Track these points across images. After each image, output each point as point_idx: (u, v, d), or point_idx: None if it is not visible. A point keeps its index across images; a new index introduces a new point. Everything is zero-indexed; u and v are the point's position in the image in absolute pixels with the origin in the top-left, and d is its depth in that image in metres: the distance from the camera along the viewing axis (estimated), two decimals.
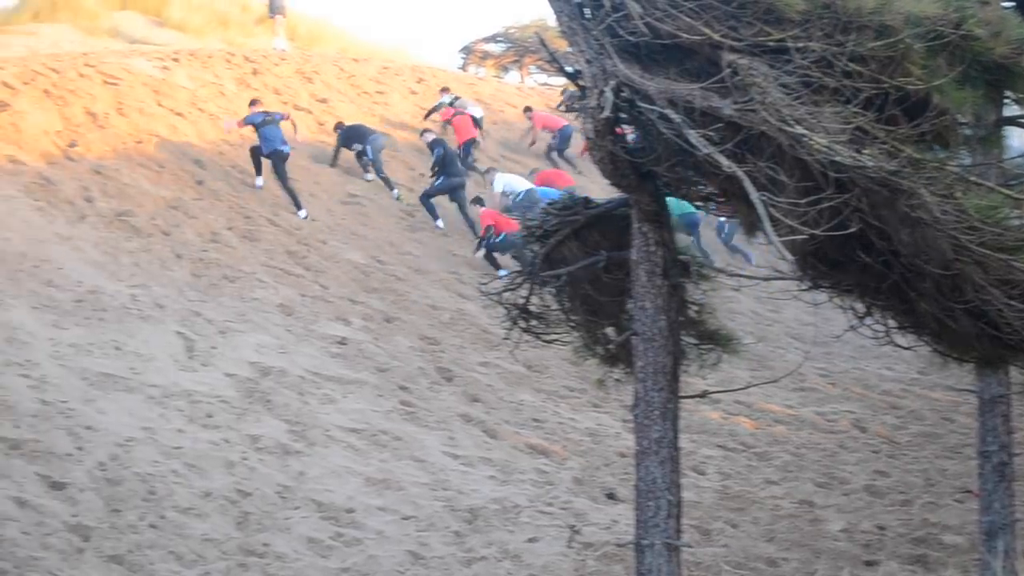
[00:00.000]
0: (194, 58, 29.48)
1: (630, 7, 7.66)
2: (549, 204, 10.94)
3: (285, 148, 24.44)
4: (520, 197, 26.18)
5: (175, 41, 34.57)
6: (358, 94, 30.93)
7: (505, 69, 48.56)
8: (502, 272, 23.60)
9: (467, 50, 48.89)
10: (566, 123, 32.22)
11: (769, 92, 7.28)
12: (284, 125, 24.55)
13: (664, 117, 7.53)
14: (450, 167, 26.73)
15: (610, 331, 10.25)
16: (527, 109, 33.79)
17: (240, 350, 17.51)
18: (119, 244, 19.82)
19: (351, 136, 27.39)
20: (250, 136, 24.51)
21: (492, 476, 15.34)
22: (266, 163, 24.07)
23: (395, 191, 26.73)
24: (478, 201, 25.89)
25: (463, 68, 47.22)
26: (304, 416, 15.84)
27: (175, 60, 28.93)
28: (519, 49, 46.95)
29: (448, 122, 30.69)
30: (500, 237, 24.36)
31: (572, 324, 10.54)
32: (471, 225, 26.22)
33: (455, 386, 18.14)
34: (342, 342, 18.71)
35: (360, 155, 27.21)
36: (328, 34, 38.57)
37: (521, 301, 10.82)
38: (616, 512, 14.78)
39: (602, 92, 7.70)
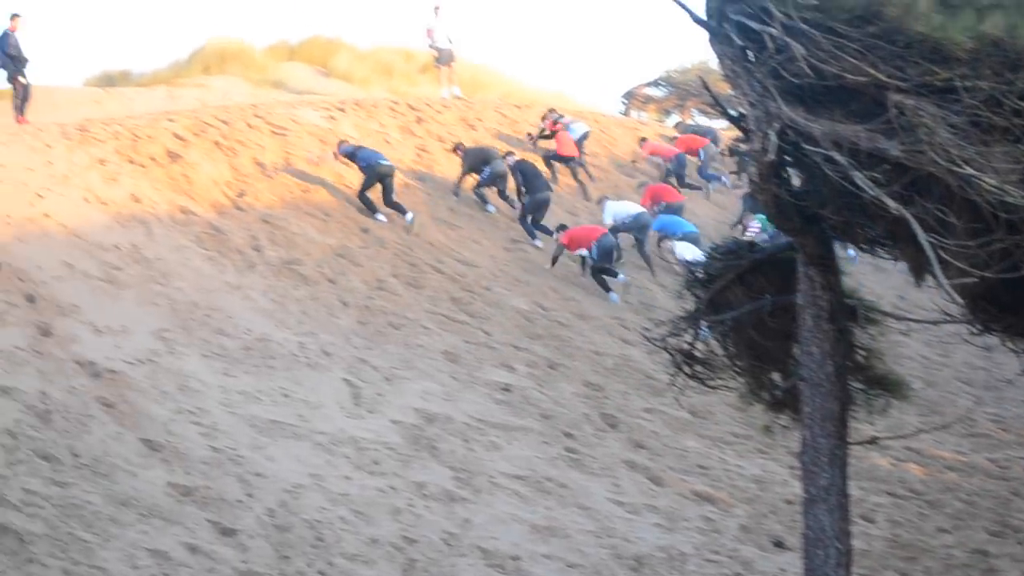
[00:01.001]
0: (359, 107, 29.91)
1: (794, 48, 7.60)
2: (713, 249, 10.88)
3: (385, 162, 25.08)
4: (629, 221, 26.72)
5: (341, 91, 35.15)
6: (520, 139, 31.07)
7: (667, 113, 48.45)
8: (613, 296, 24.65)
9: (629, 95, 48.89)
10: (679, 151, 33.02)
11: (937, 132, 7.16)
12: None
13: (829, 159, 7.45)
14: (532, 182, 26.98)
15: (776, 376, 10.16)
16: (642, 139, 34.37)
17: (406, 397, 17.64)
18: (287, 292, 20.15)
19: (478, 159, 27.54)
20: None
21: (658, 523, 15.23)
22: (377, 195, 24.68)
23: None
24: (562, 228, 25.83)
25: (625, 113, 47.23)
26: (469, 463, 15.88)
27: (341, 110, 29.41)
28: (681, 93, 46.81)
29: (553, 134, 31.05)
30: (593, 250, 24.75)
31: (737, 369, 10.47)
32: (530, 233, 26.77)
33: (620, 432, 18.06)
34: (506, 388, 18.75)
35: (480, 182, 27.53)
36: (489, 80, 38.84)
37: (686, 346, 10.77)
38: (784, 561, 14.57)
39: (766, 135, 7.64)
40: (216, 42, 36.53)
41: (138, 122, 25.01)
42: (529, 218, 26.71)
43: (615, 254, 24.96)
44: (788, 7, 7.75)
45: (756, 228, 27.36)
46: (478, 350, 20.19)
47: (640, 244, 26.66)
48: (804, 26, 7.65)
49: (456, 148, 28.06)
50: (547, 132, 31.38)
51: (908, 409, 17.16)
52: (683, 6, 8.45)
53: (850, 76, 7.50)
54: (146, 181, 22.13)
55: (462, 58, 34.38)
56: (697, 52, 39.92)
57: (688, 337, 10.77)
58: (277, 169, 24.66)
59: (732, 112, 8.58)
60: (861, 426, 9.72)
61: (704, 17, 8.40)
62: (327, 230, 23.13)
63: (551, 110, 32.70)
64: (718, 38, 8.22)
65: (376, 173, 24.78)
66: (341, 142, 25.89)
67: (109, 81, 35.30)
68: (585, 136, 31.97)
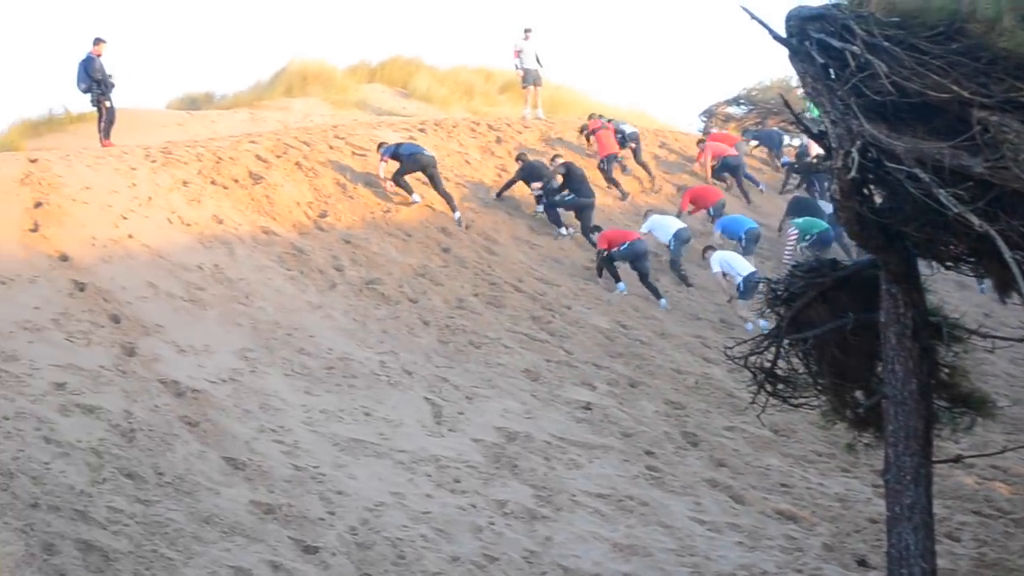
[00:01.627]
0: (439, 127, 30.11)
1: (876, 66, 7.57)
2: (794, 267, 10.84)
3: (428, 153, 25.77)
4: (672, 245, 26.77)
5: (421, 112, 35.33)
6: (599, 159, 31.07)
7: (747, 131, 48.21)
8: (621, 285, 24.82)
9: (709, 113, 48.68)
10: (735, 153, 33.43)
11: (1021, 148, 7.11)
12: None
13: (912, 176, 7.41)
14: (579, 186, 27.21)
15: (859, 394, 10.09)
16: (700, 141, 34.67)
17: (486, 415, 17.67)
18: (368, 311, 20.28)
19: (532, 174, 27.67)
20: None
21: (740, 542, 15.13)
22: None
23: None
24: (596, 229, 26.07)
25: (705, 131, 47.09)
26: (550, 481, 15.86)
27: (421, 130, 29.61)
28: (762, 111, 46.54)
29: (593, 133, 31.46)
30: (622, 248, 24.97)
31: (820, 387, 10.41)
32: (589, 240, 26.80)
33: (701, 451, 17.98)
34: (587, 407, 18.72)
35: (538, 199, 27.66)
36: (570, 100, 38.85)
37: (767, 365, 10.72)
38: None
39: (848, 153, 7.61)
40: (298, 63, 36.83)
41: (221, 144, 25.34)
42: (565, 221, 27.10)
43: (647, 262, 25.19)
44: (870, 24, 7.74)
45: (795, 234, 27.45)
46: (559, 368, 20.19)
47: (673, 261, 26.74)
48: (886, 43, 7.62)
49: (519, 157, 28.48)
50: (588, 132, 31.90)
51: (993, 427, 16.97)
52: (764, 24, 8.45)
53: (933, 93, 7.47)
54: (228, 202, 22.38)
55: (546, 79, 34.46)
56: (778, 69, 39.65)
57: (770, 355, 10.73)
58: (358, 190, 24.84)
59: (813, 129, 8.56)
60: (946, 444, 9.65)
61: (785, 35, 8.38)
62: (408, 249, 23.27)
63: (593, 114, 33.16)
64: (799, 56, 8.21)
65: (419, 164, 25.37)
66: (380, 144, 26.36)
67: (192, 103, 35.68)
68: (633, 137, 32.13)
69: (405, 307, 20.87)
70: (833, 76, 7.99)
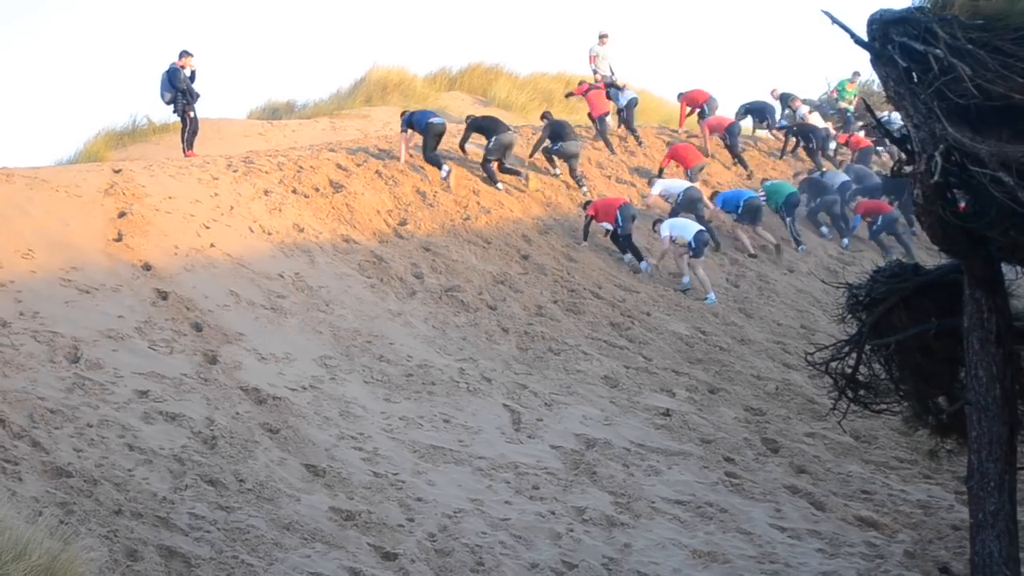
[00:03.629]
0: (519, 135, 30.13)
1: (960, 69, 7.50)
2: (876, 272, 10.75)
3: (438, 119, 26.28)
4: (680, 198, 27.40)
5: (501, 119, 35.39)
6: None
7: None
8: (645, 264, 25.30)
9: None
10: (733, 122, 33.78)
11: None
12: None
13: (997, 180, 7.33)
14: (562, 133, 27.78)
15: (942, 400, 10.00)
16: (700, 116, 34.67)
17: (565, 422, 17.66)
18: (447, 319, 20.35)
19: (557, 133, 28.22)
20: None
21: (820, 549, 15.02)
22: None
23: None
24: (587, 204, 26.46)
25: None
26: (629, 488, 15.82)
27: None
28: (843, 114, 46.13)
29: (584, 95, 32.07)
30: (617, 219, 25.23)
31: (902, 393, 10.33)
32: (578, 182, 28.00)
33: (781, 457, 17.87)
34: (666, 414, 18.66)
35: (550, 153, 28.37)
36: (650, 106, 38.74)
37: (849, 370, 10.65)
38: None
39: (931, 157, 7.55)
40: (378, 72, 37.02)
41: (301, 153, 25.53)
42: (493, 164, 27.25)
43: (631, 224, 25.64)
44: (953, 27, 7.66)
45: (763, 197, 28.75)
46: (638, 375, 20.14)
47: (699, 220, 26.87)
48: (969, 46, 7.54)
49: (544, 115, 29.39)
50: (577, 93, 32.86)
51: None
52: (846, 28, 8.40)
53: (1018, 96, 7.38)
54: (309, 211, 22.55)
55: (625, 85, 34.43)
56: (859, 72, 39.23)
57: (851, 361, 10.65)
58: (438, 197, 24.93)
59: (896, 133, 8.49)
60: None
61: (867, 39, 8.32)
62: (487, 257, 23.32)
63: (582, 82, 34.00)
64: (882, 60, 8.15)
65: (432, 132, 25.93)
66: (403, 114, 27.19)
67: (273, 113, 35.95)
68: (632, 103, 32.93)
69: (484, 314, 20.92)
70: (916, 80, 7.92)
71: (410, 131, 26.27)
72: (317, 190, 23.45)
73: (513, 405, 17.77)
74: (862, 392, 10.91)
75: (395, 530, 13.37)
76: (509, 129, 27.14)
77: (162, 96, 25.85)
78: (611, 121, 32.53)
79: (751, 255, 27.77)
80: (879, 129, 8.77)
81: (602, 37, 34.13)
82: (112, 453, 13.08)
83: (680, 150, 30.73)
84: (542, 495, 15.15)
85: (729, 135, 32.92)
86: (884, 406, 10.76)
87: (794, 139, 34.73)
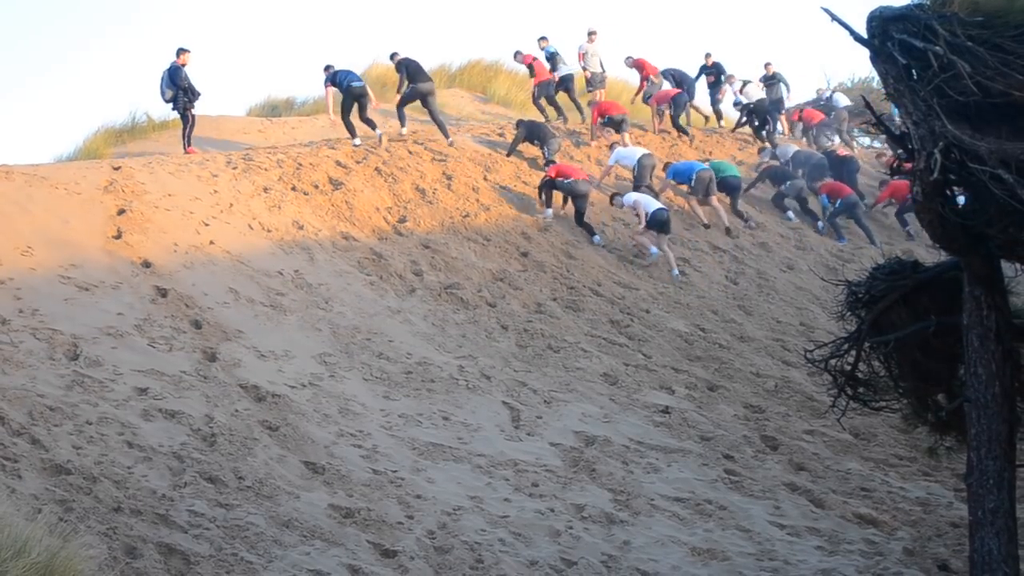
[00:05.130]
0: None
1: (959, 66, 7.49)
2: (875, 269, 10.74)
3: (357, 82, 26.89)
4: (634, 166, 28.14)
5: (501, 116, 35.40)
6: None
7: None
8: (596, 238, 25.83)
9: (788, 113, 48.38)
10: (677, 92, 34.44)
11: None
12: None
13: (996, 177, 7.33)
14: (416, 76, 28.21)
15: (941, 398, 10.00)
16: (647, 96, 35.21)
17: (565, 419, 17.66)
18: (447, 316, 20.36)
19: (534, 133, 28.68)
20: None
21: (819, 546, 15.03)
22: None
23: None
24: (551, 163, 27.19)
25: (784, 132, 46.80)
26: (628, 485, 15.83)
27: (500, 135, 29.72)
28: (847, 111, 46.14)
29: (530, 66, 33.10)
30: (566, 181, 25.76)
31: (901, 391, 10.33)
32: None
33: (780, 455, 17.87)
34: (666, 411, 18.67)
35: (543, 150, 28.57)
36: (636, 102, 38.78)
37: (848, 368, 10.65)
38: None
39: (931, 154, 7.55)
40: (377, 69, 36.94)
41: (301, 150, 25.52)
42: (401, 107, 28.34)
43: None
44: (953, 25, 7.66)
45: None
46: (637, 372, 20.14)
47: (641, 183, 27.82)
48: (969, 43, 7.54)
49: (518, 123, 29.45)
50: (524, 64, 33.76)
51: None
52: (845, 25, 8.39)
53: (1017, 93, 7.38)
54: (308, 208, 22.56)
55: (615, 82, 34.46)
56: (859, 70, 39.28)
57: (850, 358, 10.65)
58: (437, 195, 24.94)
59: (895, 131, 8.48)
60: None
61: (866, 36, 8.32)
62: (486, 254, 23.32)
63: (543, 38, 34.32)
64: (881, 57, 8.14)
65: (352, 94, 26.67)
66: (327, 68, 27.69)
67: (272, 110, 35.87)
68: (570, 78, 33.48)
69: (484, 312, 20.92)
70: (915, 77, 7.91)
71: (332, 88, 27.15)
72: (316, 187, 23.46)
73: (512, 402, 17.78)
74: (861, 389, 10.91)
75: (394, 527, 13.37)
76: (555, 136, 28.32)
77: (163, 94, 25.81)
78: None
79: (704, 225, 28.26)
80: (879, 126, 8.74)
81: (591, 34, 34.18)
82: (111, 450, 13.07)
83: (603, 105, 31.69)
84: (541, 492, 15.16)
85: (674, 105, 33.71)
86: (883, 403, 10.75)
87: (746, 119, 35.64)
